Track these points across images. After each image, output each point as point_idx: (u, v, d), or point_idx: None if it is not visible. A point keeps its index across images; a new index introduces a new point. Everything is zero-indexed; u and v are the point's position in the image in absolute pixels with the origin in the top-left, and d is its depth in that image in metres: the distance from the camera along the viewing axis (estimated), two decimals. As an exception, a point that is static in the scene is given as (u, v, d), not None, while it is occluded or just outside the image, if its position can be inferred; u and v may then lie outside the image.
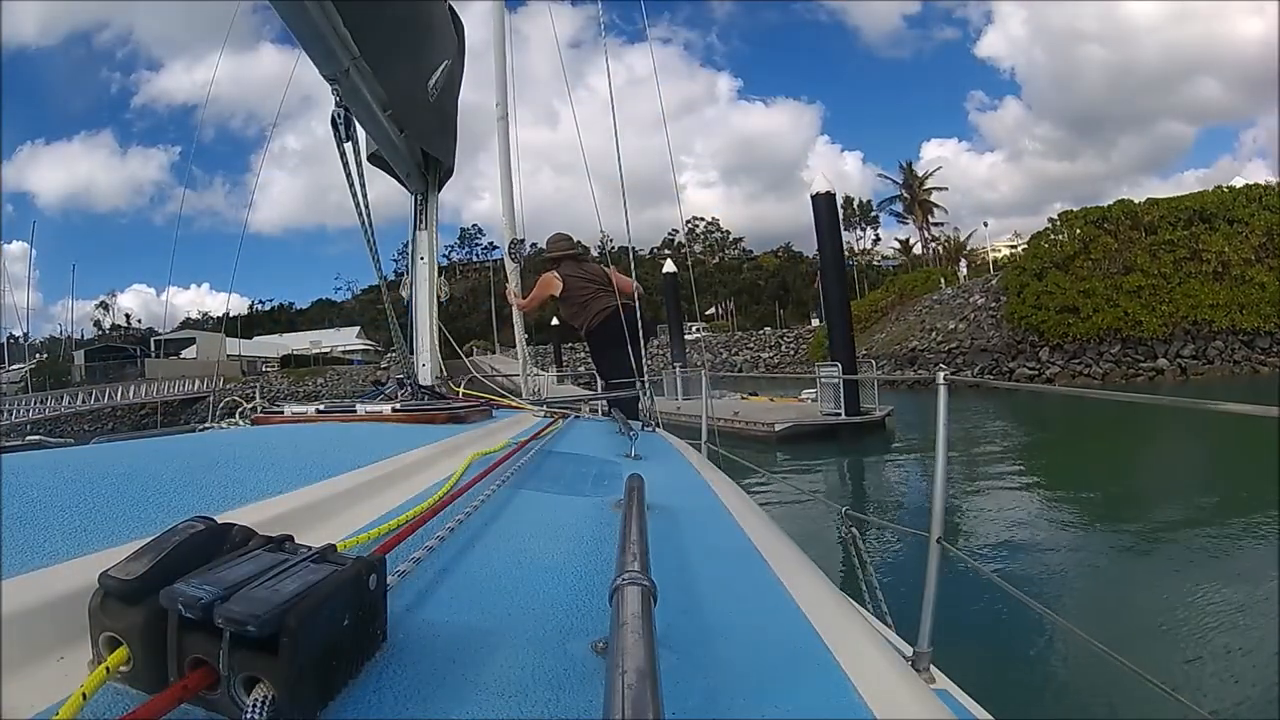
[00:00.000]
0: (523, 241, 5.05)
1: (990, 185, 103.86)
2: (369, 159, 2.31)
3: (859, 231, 72.17)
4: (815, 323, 53.08)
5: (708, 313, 61.59)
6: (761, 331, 53.30)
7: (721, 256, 75.61)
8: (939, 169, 68.31)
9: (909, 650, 1.48)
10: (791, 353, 46.83)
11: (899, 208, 67.30)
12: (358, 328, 61.33)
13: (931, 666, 1.43)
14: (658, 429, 2.81)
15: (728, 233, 78.34)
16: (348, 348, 55.76)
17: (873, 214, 72.39)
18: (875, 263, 71.35)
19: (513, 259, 4.85)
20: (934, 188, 66.11)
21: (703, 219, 77.69)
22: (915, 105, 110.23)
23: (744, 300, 64.97)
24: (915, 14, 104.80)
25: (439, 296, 2.70)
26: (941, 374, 1.78)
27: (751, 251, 78.13)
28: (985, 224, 66.88)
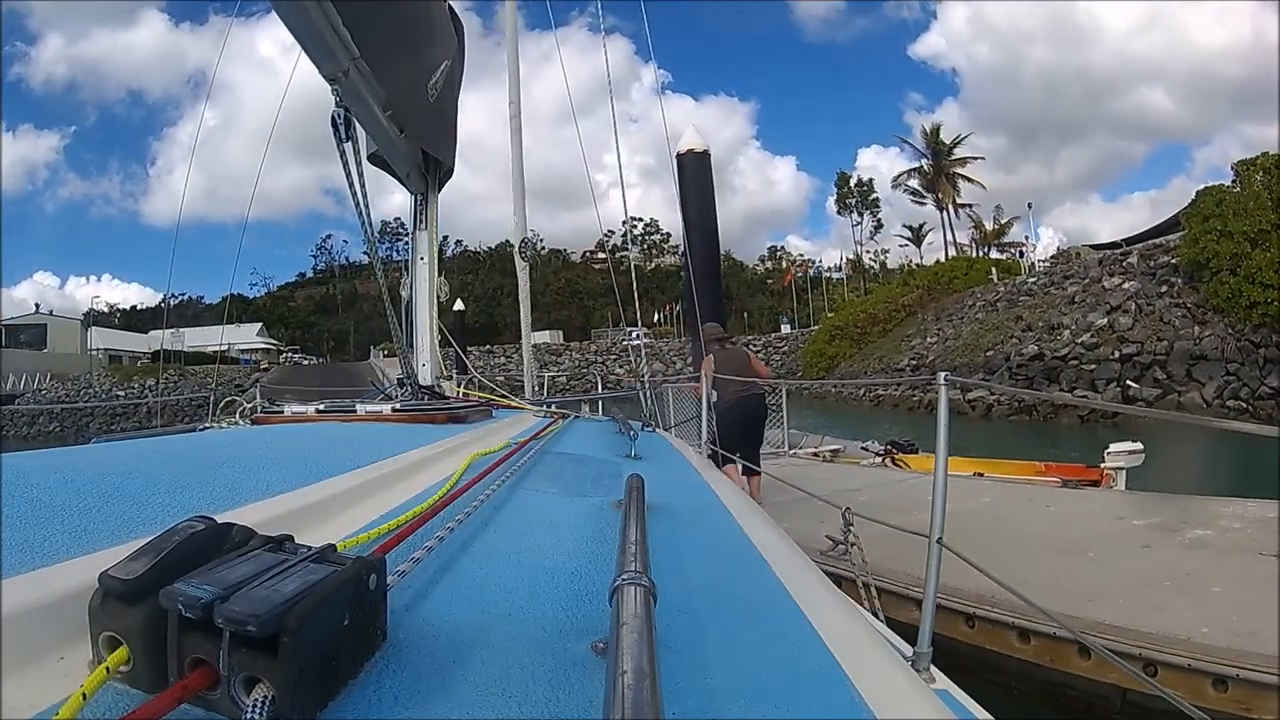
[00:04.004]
0: (530, 241, 5.12)
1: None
2: (369, 159, 2.31)
3: (855, 217, 61.33)
4: (786, 329, 49.10)
5: (654, 320, 56.10)
6: (721, 339, 48.71)
7: (659, 262, 67.06)
8: (970, 134, 55.19)
9: (909, 650, 1.48)
10: (763, 362, 43.31)
11: (916, 182, 53.03)
12: (259, 325, 59.17)
13: (931, 666, 1.42)
14: (658, 429, 2.82)
15: (668, 235, 68.11)
16: (245, 346, 52.02)
17: (873, 196, 60.85)
18: (821, 273, 63.43)
19: (523, 258, 4.91)
20: (966, 157, 51.18)
21: (640, 220, 67.41)
22: (851, 107, 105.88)
23: (686, 308, 60.27)
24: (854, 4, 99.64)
25: (438, 296, 2.70)
26: (943, 375, 1.78)
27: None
28: (1029, 205, 51.61)
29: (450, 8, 2.71)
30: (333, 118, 1.62)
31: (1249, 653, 2.29)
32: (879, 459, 7.19)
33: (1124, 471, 5.35)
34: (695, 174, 8.11)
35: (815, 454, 7.83)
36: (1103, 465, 5.53)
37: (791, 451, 7.83)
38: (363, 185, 1.70)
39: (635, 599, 0.50)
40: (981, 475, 5.86)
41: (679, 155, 7.98)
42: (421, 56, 2.23)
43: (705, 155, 8.05)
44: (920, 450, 7.40)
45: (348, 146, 1.64)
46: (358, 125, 1.75)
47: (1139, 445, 5.46)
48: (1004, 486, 5.11)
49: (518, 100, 5.12)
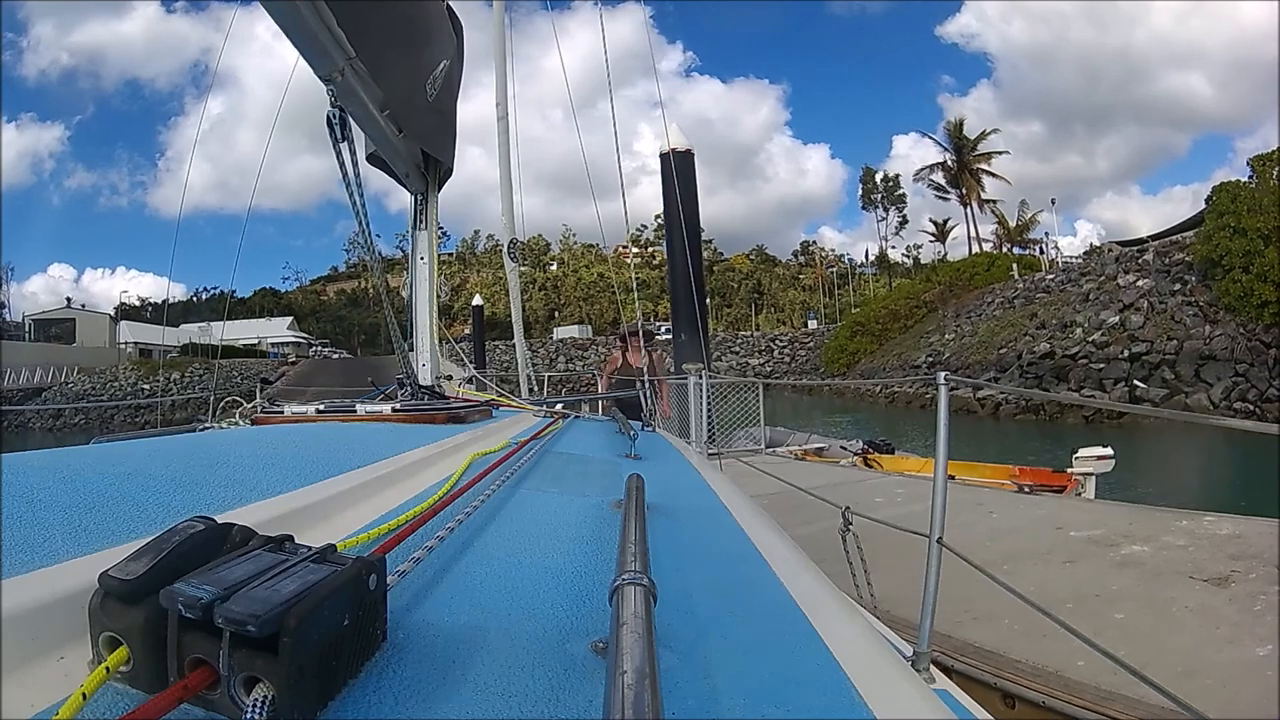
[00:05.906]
0: (519, 242, 5.16)
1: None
2: (368, 159, 2.31)
3: (881, 212, 61.55)
4: (812, 325, 49.79)
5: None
6: (748, 334, 48.52)
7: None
8: (995, 130, 53.75)
9: (909, 650, 1.48)
10: (788, 359, 42.99)
11: (940, 178, 51.97)
12: (290, 318, 59.13)
13: (931, 666, 1.42)
14: (658, 429, 2.82)
15: (701, 229, 70.28)
16: (276, 339, 52.80)
17: (899, 192, 60.78)
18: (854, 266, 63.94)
19: (512, 259, 4.94)
20: (990, 152, 50.32)
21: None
22: (884, 93, 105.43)
23: (715, 303, 59.23)
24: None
25: (438, 296, 2.70)
26: (943, 374, 1.78)
27: (722, 253, 71.87)
28: (1052, 201, 53.21)
29: (449, 7, 2.71)
30: (328, 118, 1.61)
31: (1117, 695, 2.05)
32: (855, 458, 7.22)
33: (1093, 477, 5.12)
34: (679, 173, 7.82)
35: (794, 452, 7.72)
36: (1070, 470, 5.28)
37: (770, 450, 7.69)
38: (359, 185, 1.70)
39: (635, 599, 0.50)
40: (953, 478, 5.61)
41: (662, 155, 7.90)
42: (419, 56, 2.23)
43: (688, 155, 7.94)
44: (898, 451, 7.45)
45: (344, 147, 1.64)
46: (354, 125, 1.75)
47: (1109, 450, 5.26)
48: (960, 490, 4.87)
49: (505, 102, 5.14)
